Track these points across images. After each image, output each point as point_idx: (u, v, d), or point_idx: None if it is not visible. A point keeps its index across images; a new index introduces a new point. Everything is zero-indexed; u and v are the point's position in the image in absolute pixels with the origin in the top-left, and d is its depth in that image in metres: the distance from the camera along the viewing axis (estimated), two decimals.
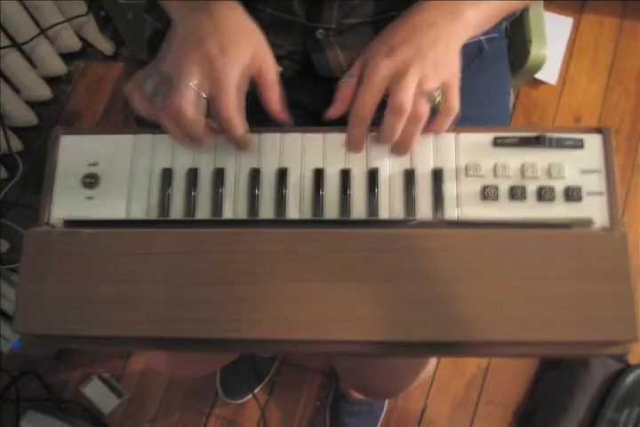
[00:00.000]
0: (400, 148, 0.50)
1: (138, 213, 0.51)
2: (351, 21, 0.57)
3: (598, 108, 1.36)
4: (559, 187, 0.49)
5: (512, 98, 0.78)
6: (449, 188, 0.50)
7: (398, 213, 0.50)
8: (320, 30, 0.57)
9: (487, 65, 0.66)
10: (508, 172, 0.50)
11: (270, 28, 0.52)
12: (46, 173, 0.52)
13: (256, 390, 1.19)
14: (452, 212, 0.50)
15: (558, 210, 0.49)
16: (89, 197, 0.51)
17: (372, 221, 0.49)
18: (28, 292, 0.47)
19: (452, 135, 0.51)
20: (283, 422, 1.20)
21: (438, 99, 0.48)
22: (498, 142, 0.51)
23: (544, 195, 0.49)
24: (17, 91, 1.25)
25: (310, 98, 0.63)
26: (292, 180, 0.51)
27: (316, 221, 0.50)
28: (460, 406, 1.20)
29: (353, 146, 0.51)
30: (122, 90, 0.67)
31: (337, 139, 0.52)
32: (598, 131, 0.51)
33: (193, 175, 0.51)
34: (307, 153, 0.52)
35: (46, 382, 1.22)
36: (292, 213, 0.50)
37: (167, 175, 0.51)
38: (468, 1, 0.50)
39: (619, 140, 1.33)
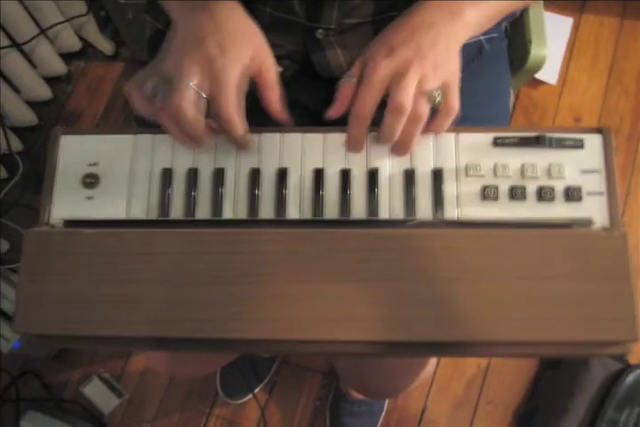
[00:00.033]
0: (400, 148, 0.50)
1: (138, 213, 0.51)
2: (351, 21, 0.57)
3: (598, 108, 1.36)
4: (559, 187, 0.49)
5: (512, 98, 0.78)
6: (449, 188, 0.50)
7: (398, 213, 0.50)
8: (320, 30, 0.57)
9: (487, 65, 0.66)
10: (508, 172, 0.50)
11: (270, 28, 0.52)
12: (46, 173, 0.52)
13: (256, 390, 1.19)
14: (452, 212, 0.50)
15: (558, 210, 0.49)
16: (89, 197, 0.51)
17: (372, 221, 0.49)
18: (28, 292, 0.47)
19: (451, 135, 0.51)
20: (283, 422, 1.20)
21: (438, 99, 0.48)
22: (498, 142, 0.51)
23: (544, 195, 0.49)
24: (17, 91, 1.25)
25: (310, 98, 0.63)
26: (292, 180, 0.51)
27: (316, 221, 0.50)
28: (460, 406, 1.20)
29: (353, 146, 0.51)
30: (122, 90, 0.67)
31: (337, 139, 0.52)
32: (598, 131, 0.51)
33: (193, 175, 0.51)
34: (307, 153, 0.52)
35: (46, 382, 1.22)
36: (292, 213, 0.50)
37: (167, 175, 0.51)
38: (468, 1, 0.50)
39: (619, 140, 1.33)
